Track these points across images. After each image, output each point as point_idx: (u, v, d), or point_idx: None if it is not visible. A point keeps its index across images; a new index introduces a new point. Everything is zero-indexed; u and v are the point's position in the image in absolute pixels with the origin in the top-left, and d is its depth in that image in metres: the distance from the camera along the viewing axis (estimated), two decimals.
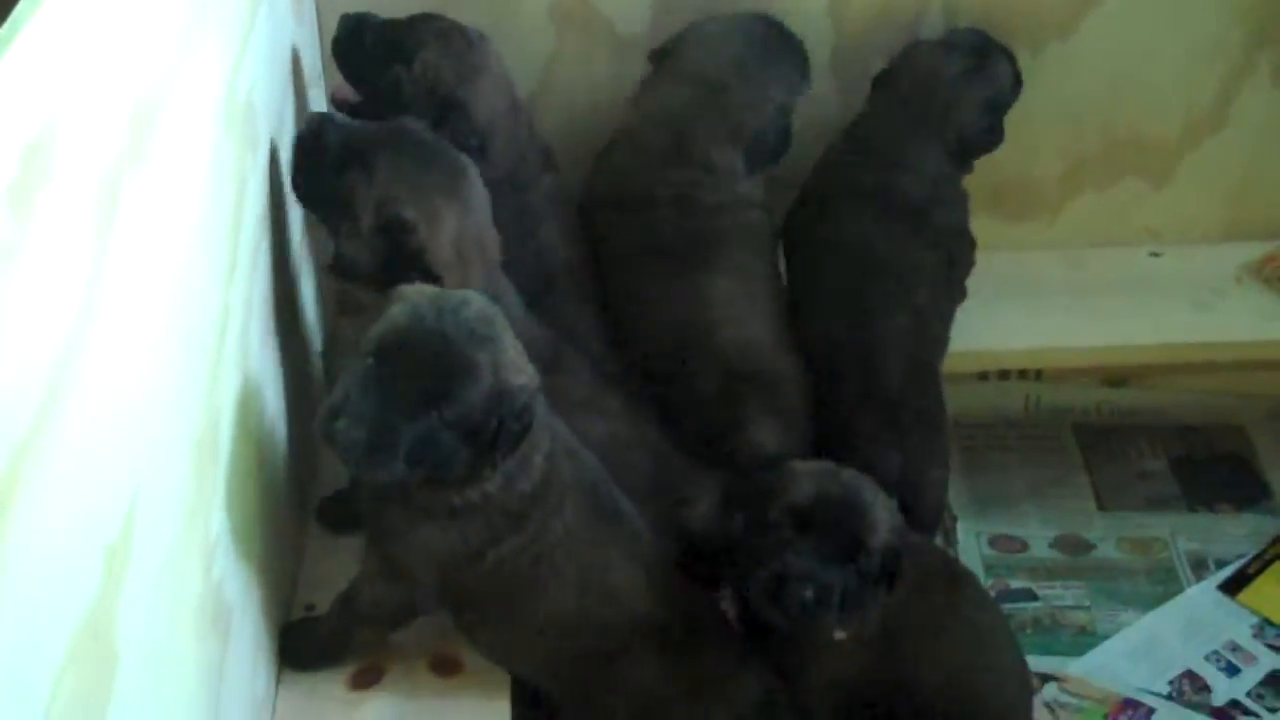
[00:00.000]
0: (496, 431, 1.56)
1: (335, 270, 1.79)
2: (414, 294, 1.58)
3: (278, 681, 1.75)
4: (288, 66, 2.04)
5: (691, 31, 2.19)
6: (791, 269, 2.26)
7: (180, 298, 1.38)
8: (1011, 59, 2.26)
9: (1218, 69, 2.37)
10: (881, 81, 2.27)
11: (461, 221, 1.77)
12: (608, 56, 2.29)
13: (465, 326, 1.54)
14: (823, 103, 2.30)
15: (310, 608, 1.85)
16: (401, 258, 1.72)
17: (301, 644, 1.78)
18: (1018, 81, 2.27)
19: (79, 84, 1.10)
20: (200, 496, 1.42)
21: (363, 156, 1.74)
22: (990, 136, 2.27)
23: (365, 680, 1.75)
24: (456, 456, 1.56)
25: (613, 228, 2.18)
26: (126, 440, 1.18)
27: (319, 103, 2.26)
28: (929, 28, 2.31)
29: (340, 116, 1.85)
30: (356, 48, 2.05)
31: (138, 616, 1.18)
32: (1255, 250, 2.48)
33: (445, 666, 1.77)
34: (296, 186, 1.82)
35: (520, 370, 1.58)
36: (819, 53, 2.30)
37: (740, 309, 2.14)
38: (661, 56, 2.19)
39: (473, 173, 1.82)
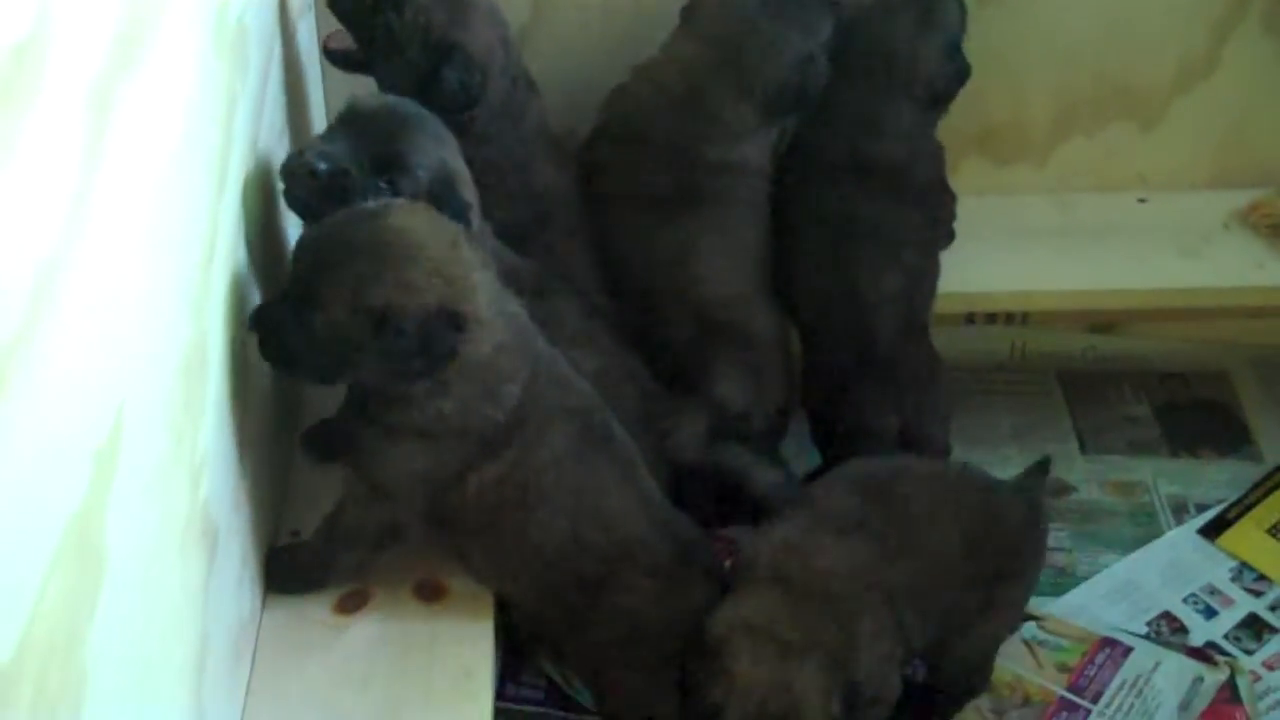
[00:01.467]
0: (379, 349, 1.56)
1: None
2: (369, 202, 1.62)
3: (263, 604, 1.76)
4: None
5: None
6: (780, 240, 2.25)
7: (169, 212, 1.38)
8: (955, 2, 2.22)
9: (1209, 15, 2.37)
10: (836, 54, 2.21)
11: None
12: None
13: (362, 234, 1.56)
14: None
15: (296, 533, 1.86)
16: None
17: (287, 568, 1.79)
18: (963, 11, 2.23)
19: None
20: (188, 414, 1.43)
21: None
22: (958, 78, 2.24)
23: (350, 604, 1.76)
24: (359, 371, 1.61)
25: (613, 163, 2.18)
26: (114, 349, 1.18)
27: (308, 33, 2.25)
28: None
29: None
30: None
31: (126, 525, 1.18)
32: (1243, 198, 2.48)
33: (430, 591, 1.78)
34: None
35: (415, 289, 1.56)
36: None
37: (723, 266, 2.14)
38: (687, 13, 2.17)
39: None
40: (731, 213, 2.14)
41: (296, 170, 1.72)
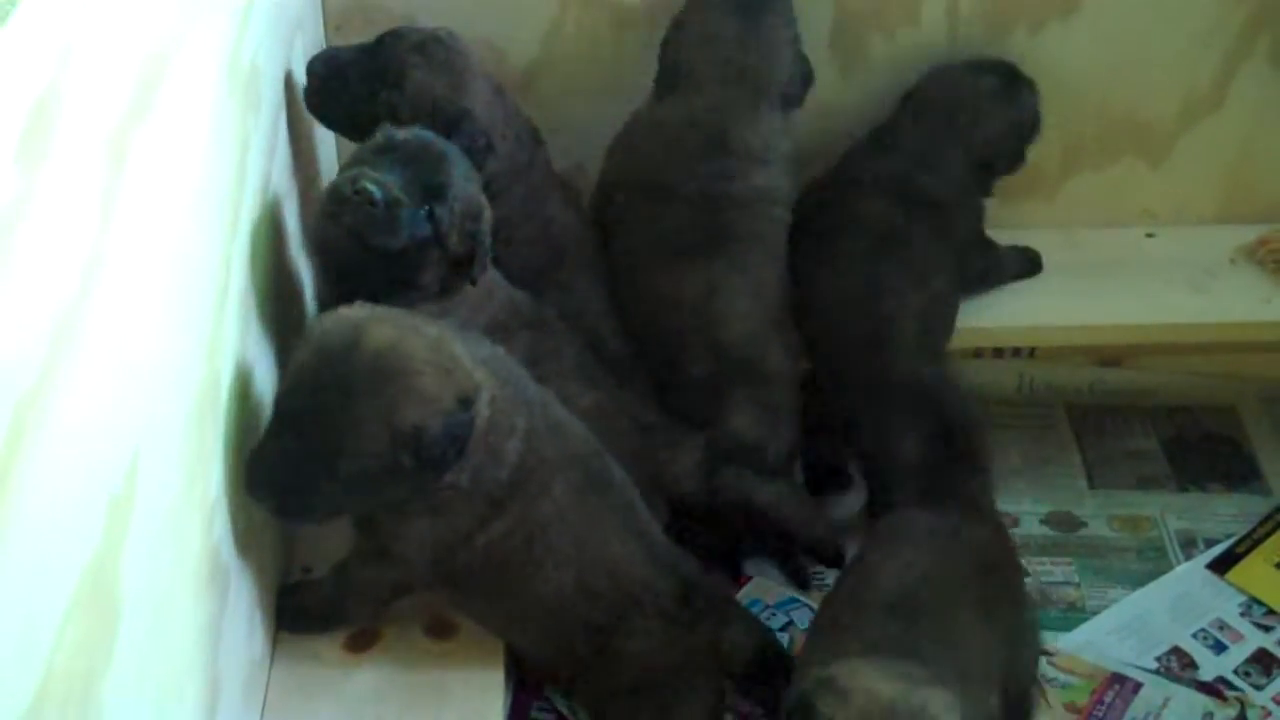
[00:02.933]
0: (421, 465, 1.56)
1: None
2: (321, 329, 1.58)
3: (274, 644, 1.77)
4: (292, 31, 2.05)
5: (678, 36, 2.18)
6: (804, 251, 2.25)
7: (183, 256, 1.39)
8: (1036, 94, 2.29)
9: (1216, 50, 2.38)
10: (911, 95, 2.29)
11: None
12: (610, 25, 2.29)
13: (359, 367, 1.53)
14: (822, 82, 2.31)
15: (307, 569, 1.87)
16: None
17: (297, 608, 1.79)
18: (1038, 117, 2.30)
19: (86, 41, 1.11)
20: (201, 456, 1.44)
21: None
22: (1013, 159, 2.30)
23: (361, 643, 1.77)
24: (387, 493, 1.60)
25: (630, 215, 2.19)
26: (130, 394, 1.19)
27: None
28: (930, 5, 2.31)
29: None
30: (340, 86, 2.00)
31: (140, 570, 1.19)
32: (1250, 233, 2.48)
33: (441, 630, 1.79)
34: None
35: (432, 397, 1.55)
36: (819, 30, 2.31)
37: (745, 305, 2.14)
38: (668, 78, 2.18)
39: None
40: (755, 249, 2.15)
41: (353, 197, 1.73)
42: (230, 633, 1.54)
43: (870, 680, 1.47)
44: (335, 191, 1.75)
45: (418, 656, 1.76)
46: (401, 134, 1.81)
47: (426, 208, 1.77)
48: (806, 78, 2.21)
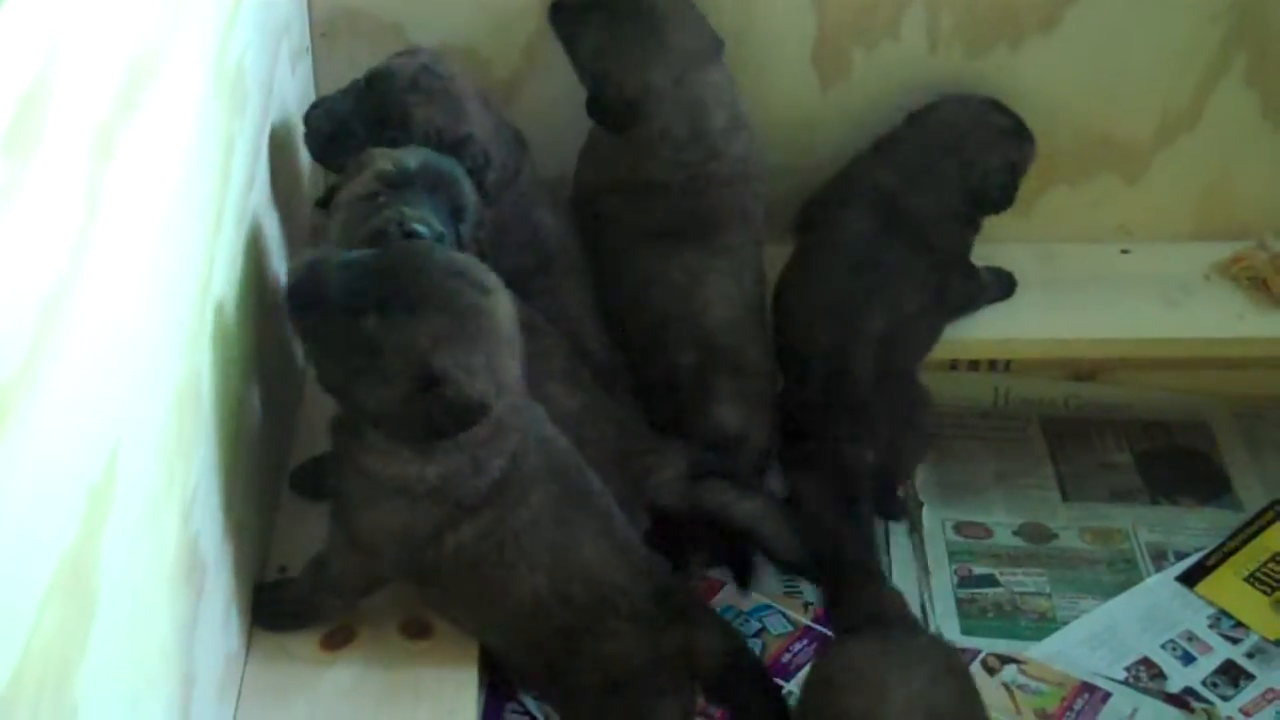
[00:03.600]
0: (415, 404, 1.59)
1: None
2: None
3: (249, 640, 1.77)
4: (278, 35, 2.06)
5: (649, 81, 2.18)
6: (794, 259, 2.30)
7: (167, 250, 1.41)
8: (1034, 144, 2.34)
9: (1193, 69, 2.41)
10: (921, 114, 2.33)
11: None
12: None
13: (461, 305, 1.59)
14: (804, 96, 2.33)
15: (283, 569, 1.87)
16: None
17: (273, 606, 1.81)
18: (1032, 153, 2.35)
19: (74, 35, 1.12)
20: (180, 449, 1.45)
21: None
22: (1003, 195, 2.32)
23: (336, 641, 1.78)
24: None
25: (617, 211, 2.21)
26: (111, 385, 1.20)
27: (305, 75, 2.28)
28: (911, 20, 2.33)
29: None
30: (346, 135, 2.01)
31: (118, 561, 1.20)
32: (1225, 250, 2.50)
33: (416, 630, 1.80)
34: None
35: (469, 371, 1.58)
36: (800, 45, 2.33)
37: (728, 291, 2.19)
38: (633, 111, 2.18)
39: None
40: (739, 230, 2.19)
41: (411, 232, 1.76)
42: (206, 627, 1.55)
43: None
44: (379, 235, 1.75)
45: (393, 655, 1.77)
46: (411, 160, 1.83)
47: (454, 230, 1.82)
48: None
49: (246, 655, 1.75)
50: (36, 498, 1.03)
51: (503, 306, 1.64)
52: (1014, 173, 2.33)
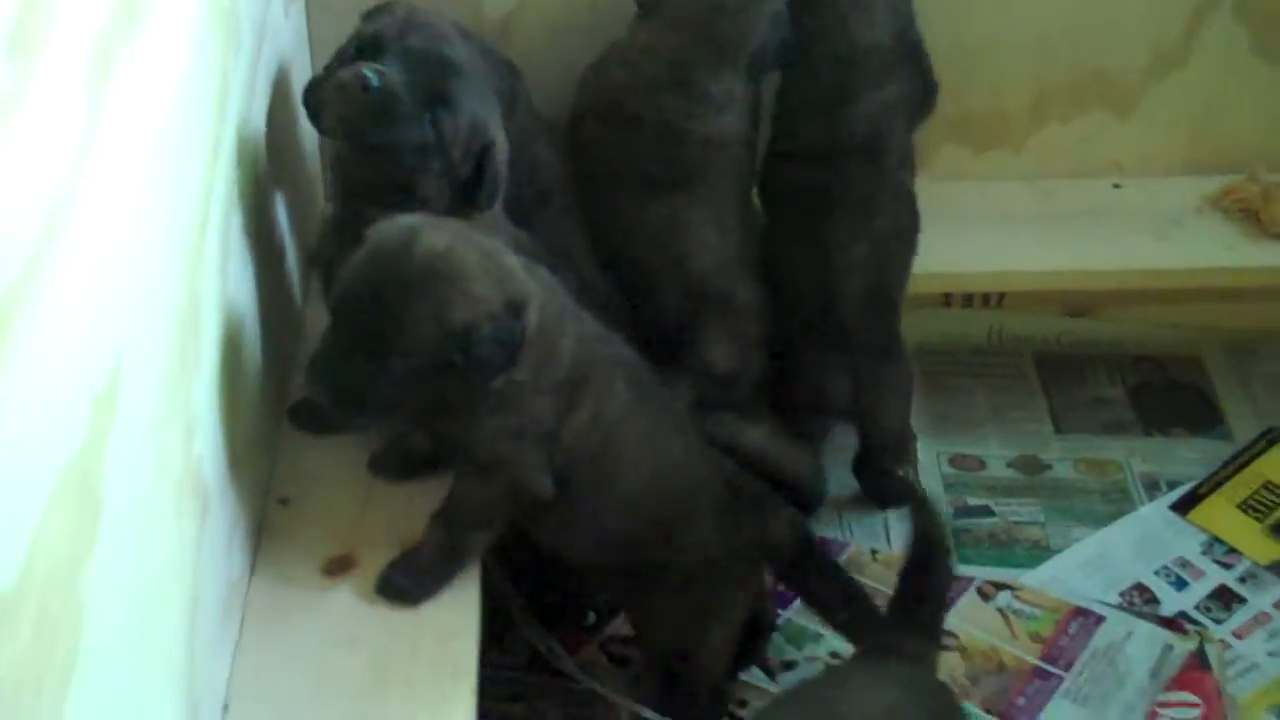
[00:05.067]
0: (470, 364, 1.61)
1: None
2: (376, 234, 1.64)
3: (252, 567, 1.80)
4: None
5: None
6: (767, 213, 2.30)
7: (166, 171, 1.42)
8: None
9: (1183, 3, 2.42)
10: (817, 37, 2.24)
11: None
12: None
13: (412, 269, 1.60)
14: None
15: (284, 500, 1.89)
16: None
17: (408, 575, 1.76)
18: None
19: None
20: (183, 372, 1.47)
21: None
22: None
23: (338, 567, 1.80)
24: (442, 393, 1.64)
25: (597, 141, 2.21)
26: (114, 297, 1.21)
27: (298, 20, 2.28)
28: None
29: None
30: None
31: (122, 472, 1.22)
32: (1216, 183, 2.52)
33: None
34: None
35: (482, 299, 1.61)
36: None
37: (711, 238, 2.18)
38: (648, 6, 2.20)
39: None
40: (718, 185, 2.18)
41: (352, 82, 1.73)
42: (210, 551, 1.57)
43: None
44: (336, 82, 1.76)
45: None
46: (414, 38, 1.79)
47: (430, 114, 1.76)
48: (780, 48, 2.20)
49: (249, 582, 1.77)
50: (43, 402, 1.04)
51: None
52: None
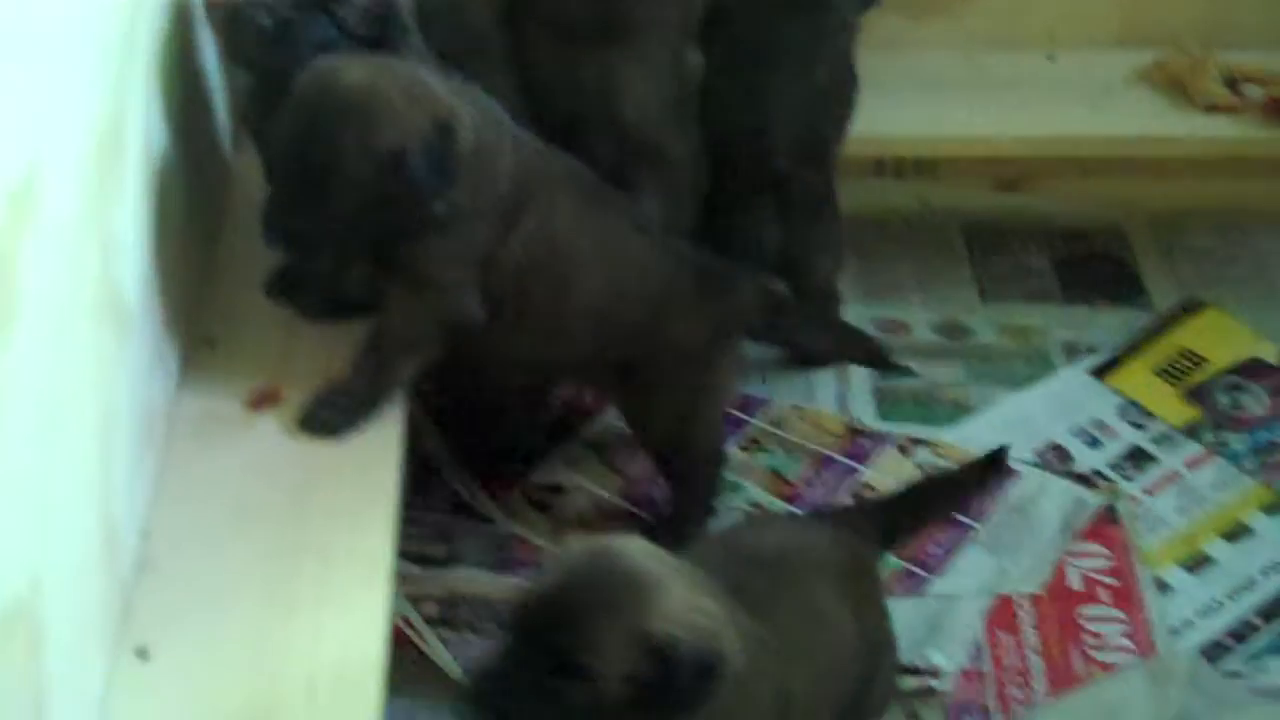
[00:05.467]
0: (406, 188, 1.65)
1: None
2: (299, 82, 1.67)
3: (175, 402, 1.80)
4: None
5: None
6: (708, 63, 2.29)
7: None
8: None
9: None
10: None
11: None
12: None
13: (335, 104, 1.64)
14: None
15: (211, 341, 1.89)
16: None
17: (331, 408, 1.77)
18: None
19: None
20: (102, 190, 1.46)
21: None
22: None
23: (262, 401, 1.80)
24: (387, 223, 1.68)
25: None
26: (30, 97, 1.20)
27: None
28: None
29: None
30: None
31: (39, 275, 1.21)
32: (1148, 56, 2.54)
33: None
34: None
35: (410, 123, 1.65)
36: None
37: (645, 92, 2.17)
38: None
39: None
40: (652, 37, 2.17)
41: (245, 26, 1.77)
42: (129, 373, 1.57)
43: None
44: (232, 22, 1.79)
45: None
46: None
47: (326, 14, 1.78)
48: None
49: (172, 415, 1.78)
50: None
51: None
52: None
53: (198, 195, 1.91)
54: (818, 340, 2.14)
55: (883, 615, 1.74)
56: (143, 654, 1.50)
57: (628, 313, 1.88)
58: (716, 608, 1.40)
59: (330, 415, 1.76)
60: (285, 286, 1.94)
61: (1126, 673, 1.88)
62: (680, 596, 1.36)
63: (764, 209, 2.22)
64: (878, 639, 1.70)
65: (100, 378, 1.46)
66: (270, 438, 1.76)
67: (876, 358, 2.29)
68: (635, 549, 1.39)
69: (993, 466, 2.05)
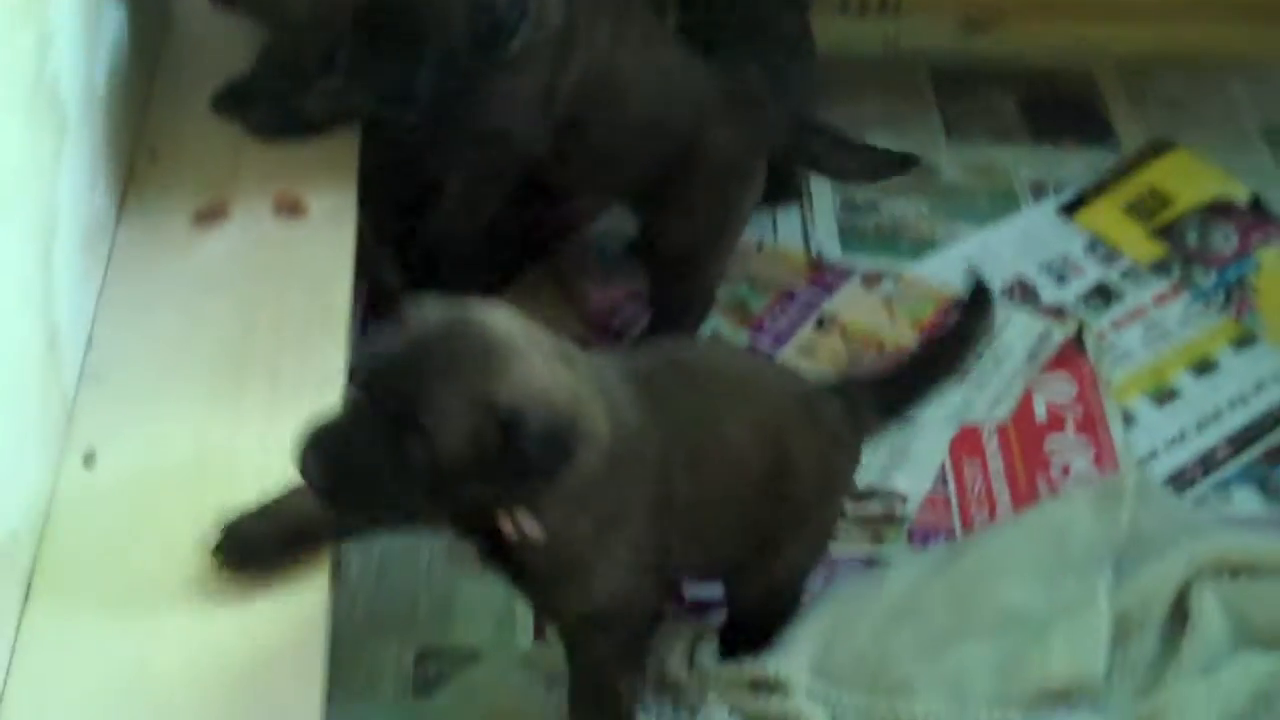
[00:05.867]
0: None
1: None
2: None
3: (120, 213, 1.73)
4: None
5: None
6: None
7: None
8: None
9: None
10: None
11: None
12: None
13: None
14: None
15: (154, 153, 1.83)
16: None
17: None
18: None
19: None
20: None
21: None
22: None
23: (209, 218, 1.74)
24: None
25: None
26: None
27: None
28: None
29: None
30: None
31: None
32: None
33: (291, 208, 1.76)
34: None
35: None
36: None
37: None
38: None
39: None
40: None
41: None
42: (69, 176, 1.51)
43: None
44: None
45: (267, 233, 1.74)
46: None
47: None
48: None
49: (117, 226, 1.71)
50: None
51: None
52: None
53: (138, 12, 1.83)
54: (846, 161, 2.07)
55: (817, 476, 1.62)
56: (90, 460, 1.46)
57: (674, 121, 1.91)
58: (581, 384, 1.38)
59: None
60: (235, 101, 1.87)
61: (1072, 494, 1.85)
62: (536, 369, 1.34)
63: (742, 52, 2.15)
64: (794, 491, 1.60)
65: (38, 177, 1.40)
66: (218, 254, 1.71)
67: (912, 162, 2.15)
68: (498, 318, 1.36)
69: (977, 303, 1.91)
